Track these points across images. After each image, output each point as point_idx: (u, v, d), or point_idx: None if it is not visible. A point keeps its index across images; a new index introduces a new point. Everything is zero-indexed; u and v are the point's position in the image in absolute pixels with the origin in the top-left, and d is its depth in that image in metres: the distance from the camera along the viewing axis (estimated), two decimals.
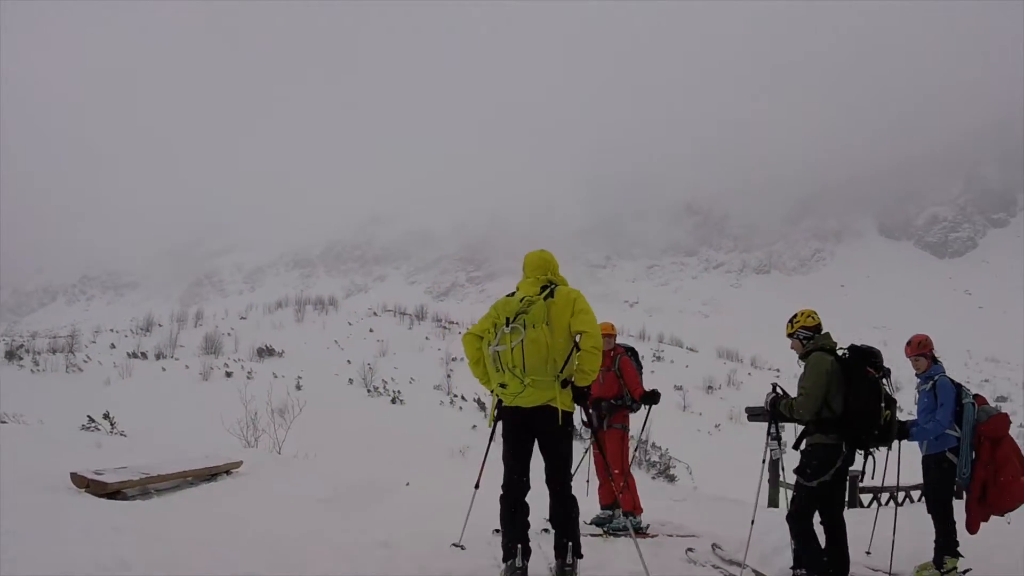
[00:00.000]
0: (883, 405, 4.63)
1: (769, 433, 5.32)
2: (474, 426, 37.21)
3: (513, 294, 4.50)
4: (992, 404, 5.94)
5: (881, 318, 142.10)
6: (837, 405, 4.58)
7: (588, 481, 6.82)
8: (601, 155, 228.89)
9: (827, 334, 5.10)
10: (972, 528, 5.38)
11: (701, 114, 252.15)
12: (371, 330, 78.29)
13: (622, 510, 6.11)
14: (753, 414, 4.99)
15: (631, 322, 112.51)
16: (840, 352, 4.87)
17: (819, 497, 4.67)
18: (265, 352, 61.41)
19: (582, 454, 6.50)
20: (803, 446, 4.88)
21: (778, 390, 5.18)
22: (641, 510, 6.68)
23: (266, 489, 8.02)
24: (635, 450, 10.51)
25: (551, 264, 4.65)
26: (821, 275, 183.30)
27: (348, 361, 57.72)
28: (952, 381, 5.67)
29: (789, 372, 78.92)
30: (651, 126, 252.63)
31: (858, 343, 5.00)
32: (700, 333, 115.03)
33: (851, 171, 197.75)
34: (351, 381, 50.00)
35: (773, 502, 10.36)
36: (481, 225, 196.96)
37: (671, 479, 34.90)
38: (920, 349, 5.80)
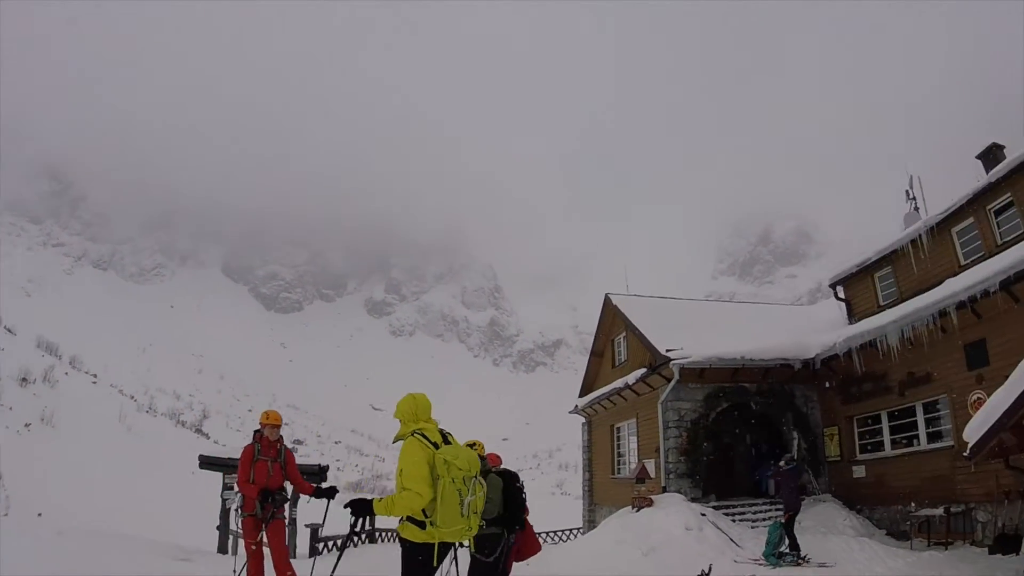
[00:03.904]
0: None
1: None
2: None
3: (447, 437, 5.14)
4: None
5: (200, 347, 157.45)
6: (501, 508, 6.14)
7: (235, 571, 7.13)
8: None
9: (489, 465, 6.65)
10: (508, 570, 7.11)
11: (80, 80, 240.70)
12: None
13: None
14: None
15: None
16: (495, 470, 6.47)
17: (494, 569, 6.02)
18: None
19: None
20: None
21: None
22: None
23: None
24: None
25: None
26: (156, 289, 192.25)
27: None
28: None
29: (106, 378, 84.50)
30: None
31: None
32: (19, 312, 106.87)
33: (221, 201, 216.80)
34: None
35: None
36: None
37: None
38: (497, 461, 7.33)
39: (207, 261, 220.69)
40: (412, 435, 4.92)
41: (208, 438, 77.16)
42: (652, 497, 15.07)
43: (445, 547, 4.87)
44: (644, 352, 18.94)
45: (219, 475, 12.70)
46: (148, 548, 10.01)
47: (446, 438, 5.09)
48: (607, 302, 22.80)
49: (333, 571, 6.01)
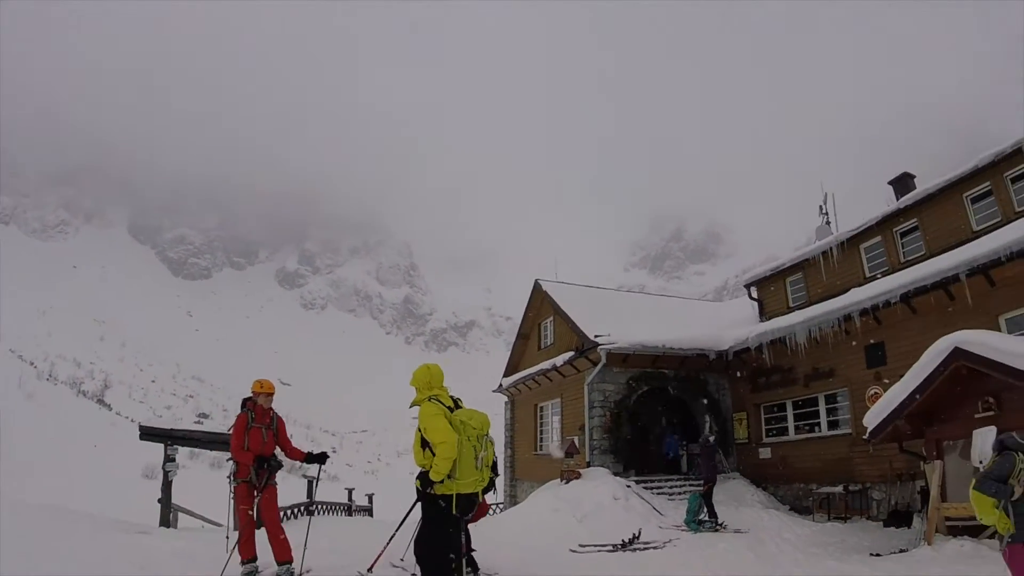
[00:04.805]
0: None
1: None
2: None
3: (457, 403, 5.81)
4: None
5: (103, 312, 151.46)
6: None
7: (228, 537, 7.18)
8: None
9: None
10: None
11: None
12: None
13: (282, 560, 6.70)
14: None
15: None
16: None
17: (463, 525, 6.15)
18: None
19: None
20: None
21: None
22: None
23: None
24: None
25: None
26: (57, 247, 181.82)
27: None
28: None
29: (5, 342, 78.55)
30: None
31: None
32: None
33: (132, 156, 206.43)
34: None
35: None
36: None
37: None
38: None
39: (114, 220, 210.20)
40: (428, 400, 5.60)
41: (110, 409, 74.40)
42: (580, 470, 16.10)
43: (461, 498, 5.55)
44: (571, 336, 19.89)
45: (130, 448, 12.50)
46: (102, 523, 9.52)
47: (456, 403, 5.77)
48: (537, 288, 23.60)
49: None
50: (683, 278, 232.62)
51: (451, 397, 5.84)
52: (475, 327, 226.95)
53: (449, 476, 5.45)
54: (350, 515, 20.94)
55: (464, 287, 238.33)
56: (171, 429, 12.56)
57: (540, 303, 23.71)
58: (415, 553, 5.74)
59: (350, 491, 21.19)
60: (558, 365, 19.98)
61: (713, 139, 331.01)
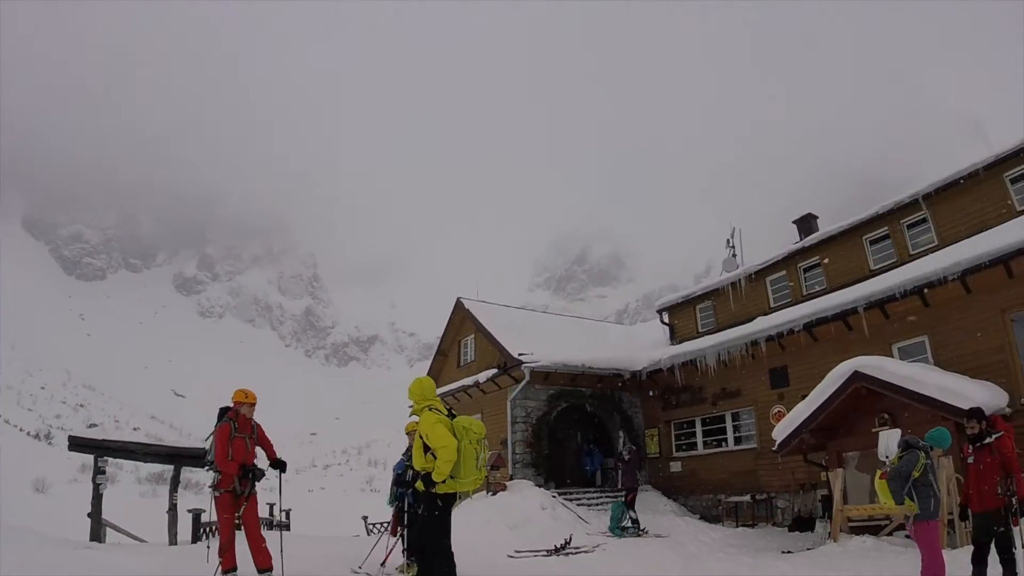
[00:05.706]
0: None
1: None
2: None
3: (451, 412, 6.24)
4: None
5: None
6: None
7: (209, 547, 7.23)
8: None
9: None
10: None
11: None
12: None
13: (263, 568, 6.80)
14: None
15: None
16: None
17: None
18: None
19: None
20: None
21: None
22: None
23: None
24: None
25: None
26: None
27: None
28: None
29: None
30: None
31: None
32: None
33: (31, 143, 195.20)
34: None
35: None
36: None
37: None
38: None
39: (8, 211, 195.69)
40: (428, 409, 6.13)
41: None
42: (505, 483, 16.73)
43: (458, 496, 6.22)
44: (494, 354, 20.49)
45: (18, 459, 11.94)
46: (45, 540, 8.91)
47: (451, 412, 6.31)
48: (459, 305, 24.00)
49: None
50: (586, 300, 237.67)
51: (446, 406, 6.35)
52: (377, 342, 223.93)
53: (452, 476, 5.93)
54: (271, 529, 20.65)
55: (367, 301, 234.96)
56: (103, 440, 12.28)
57: (461, 321, 24.11)
58: (410, 548, 6.28)
59: (271, 506, 20.92)
60: (480, 382, 20.50)
61: (623, 164, 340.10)
